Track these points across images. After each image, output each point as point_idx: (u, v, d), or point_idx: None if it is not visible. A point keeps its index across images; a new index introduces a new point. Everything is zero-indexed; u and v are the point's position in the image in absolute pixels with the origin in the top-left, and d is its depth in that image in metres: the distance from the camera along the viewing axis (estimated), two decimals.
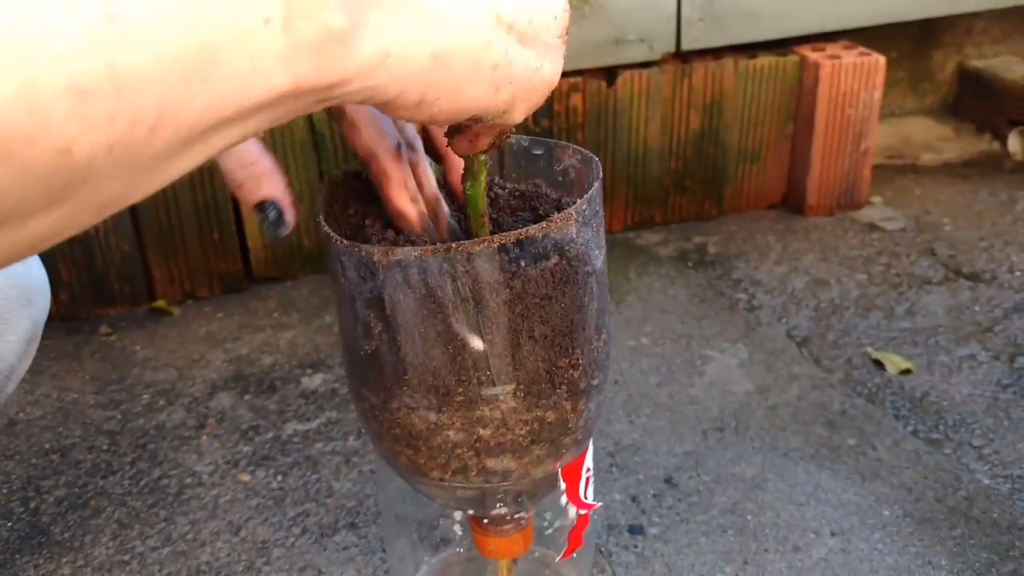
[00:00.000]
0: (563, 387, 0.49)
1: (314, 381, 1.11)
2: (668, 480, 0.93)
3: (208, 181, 1.26)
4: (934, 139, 1.80)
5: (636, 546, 0.85)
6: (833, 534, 0.86)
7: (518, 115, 0.35)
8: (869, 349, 1.15)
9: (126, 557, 0.86)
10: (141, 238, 1.27)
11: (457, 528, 0.63)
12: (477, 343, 0.46)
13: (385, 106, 0.30)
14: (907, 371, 1.10)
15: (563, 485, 0.55)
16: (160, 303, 1.29)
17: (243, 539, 0.88)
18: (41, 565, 0.85)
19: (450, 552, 0.68)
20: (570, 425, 0.50)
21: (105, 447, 1.01)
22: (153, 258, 1.28)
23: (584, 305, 0.48)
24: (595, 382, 0.51)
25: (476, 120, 0.34)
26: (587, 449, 0.55)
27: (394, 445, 0.51)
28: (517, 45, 0.32)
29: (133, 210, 1.24)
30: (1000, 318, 1.21)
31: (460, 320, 0.45)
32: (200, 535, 0.88)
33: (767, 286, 1.31)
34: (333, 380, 1.11)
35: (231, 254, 1.31)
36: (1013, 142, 1.75)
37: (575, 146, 0.53)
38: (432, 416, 0.48)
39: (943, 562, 0.82)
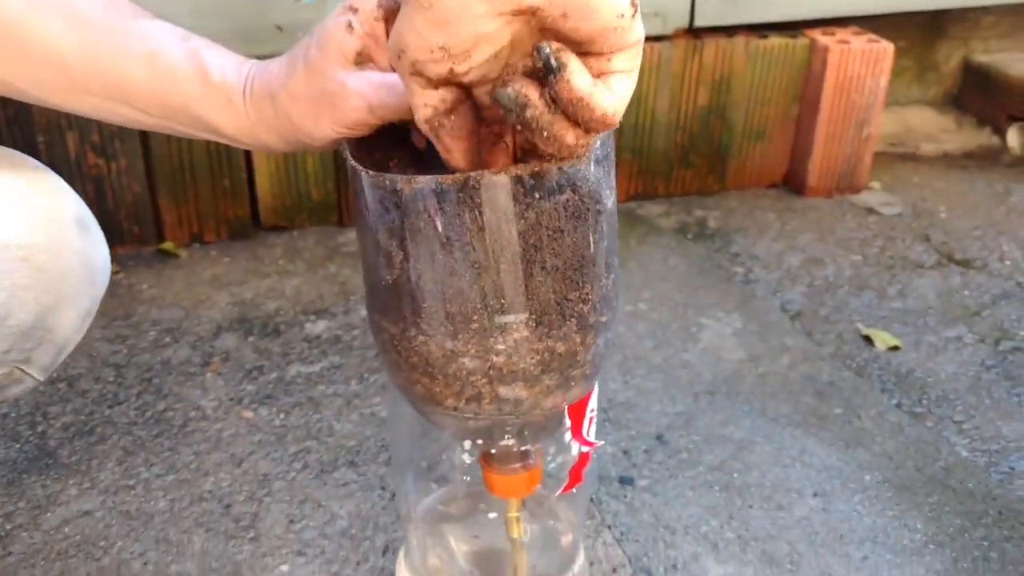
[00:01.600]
0: (573, 320, 0.51)
1: (318, 327, 1.14)
2: (659, 437, 0.96)
3: None
4: (936, 130, 1.83)
5: (626, 496, 0.88)
6: (815, 495, 0.89)
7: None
8: (860, 325, 1.18)
9: (131, 482, 0.89)
10: (152, 180, 1.29)
11: (465, 459, 0.66)
12: (491, 271, 0.48)
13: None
14: (895, 348, 1.13)
15: (568, 422, 0.57)
16: (168, 245, 1.31)
17: (245, 471, 0.91)
18: (48, 485, 0.88)
19: (454, 487, 0.71)
20: (579, 358, 0.53)
21: (111, 379, 1.03)
22: (163, 201, 1.30)
23: (594, 241, 0.50)
24: (604, 319, 0.53)
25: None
26: (593, 389, 0.58)
27: (411, 374, 0.53)
28: None
29: (146, 152, 1.26)
30: (988, 304, 1.24)
31: (476, 248, 0.47)
32: (203, 465, 0.91)
33: (764, 261, 1.34)
34: (336, 327, 1.14)
35: (240, 201, 1.34)
36: (1012, 137, 1.77)
37: None
38: (448, 343, 0.50)
39: (918, 525, 0.85)
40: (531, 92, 0.41)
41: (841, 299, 1.24)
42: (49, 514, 0.85)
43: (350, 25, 0.51)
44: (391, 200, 0.48)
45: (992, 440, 0.97)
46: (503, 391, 0.52)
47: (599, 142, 0.48)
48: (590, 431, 0.60)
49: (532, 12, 0.38)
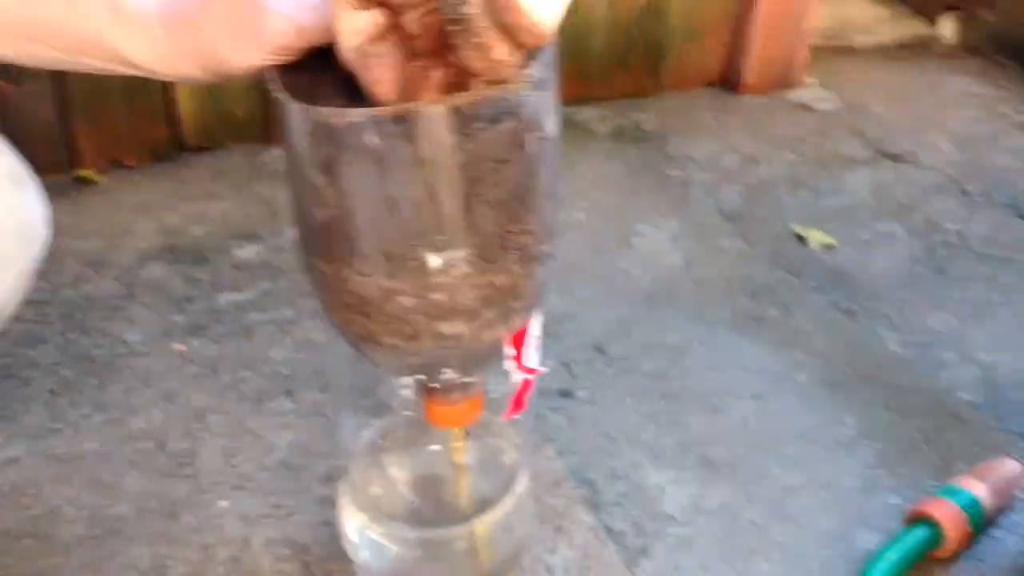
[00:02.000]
0: (515, 252, 0.49)
1: (247, 252, 1.11)
2: (598, 347, 0.96)
3: None
4: (871, 21, 1.81)
5: (565, 409, 0.88)
6: (751, 397, 0.90)
7: None
8: (794, 225, 1.18)
9: (58, 425, 0.86)
10: (65, 104, 1.22)
11: (404, 393, 0.65)
12: (429, 207, 0.46)
13: None
14: (829, 246, 1.14)
15: (510, 350, 0.56)
16: (85, 171, 1.25)
17: (179, 406, 0.89)
18: None
19: (394, 418, 0.70)
20: (521, 290, 0.51)
21: (32, 317, 1.00)
22: (79, 125, 1.24)
23: (536, 171, 0.48)
24: (545, 248, 0.51)
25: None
26: (534, 317, 0.56)
27: (347, 313, 0.51)
28: None
29: (57, 73, 1.20)
30: (919, 197, 1.25)
31: (413, 183, 0.45)
32: (134, 403, 0.89)
33: (700, 163, 1.33)
34: (266, 251, 1.11)
35: (161, 122, 1.28)
36: (944, 26, 1.77)
37: None
38: (385, 282, 0.48)
39: (850, 420, 0.87)
40: None
41: (776, 199, 1.24)
42: None
43: None
44: (323, 134, 0.45)
45: (921, 333, 0.99)
46: (443, 327, 0.51)
47: (538, 65, 0.46)
48: (532, 358, 0.59)
49: None
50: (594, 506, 0.78)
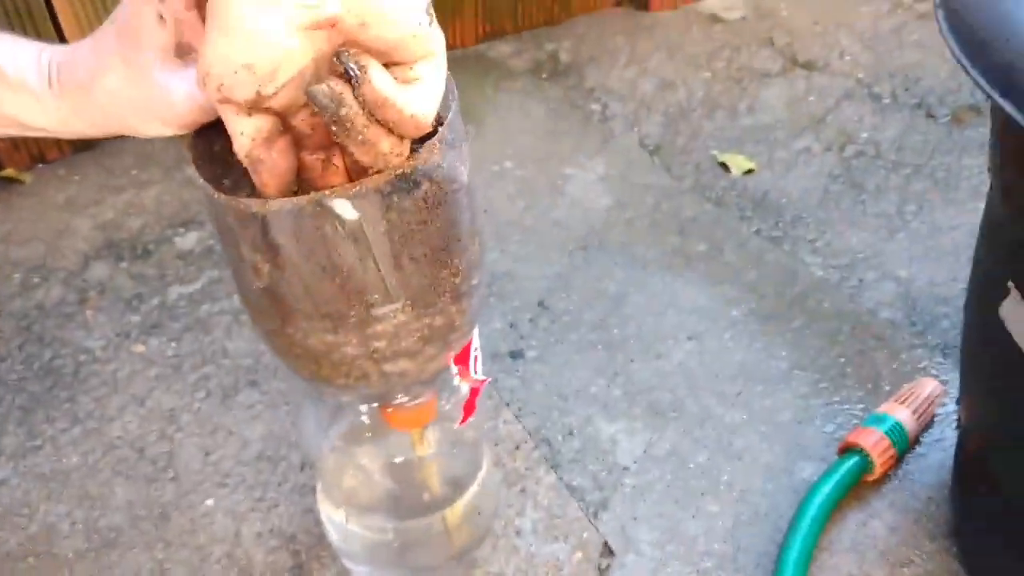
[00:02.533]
0: (447, 295, 0.53)
1: (188, 240, 1.12)
2: (541, 303, 1.01)
3: (30, 20, 1.19)
4: None
5: (518, 371, 0.94)
6: (689, 338, 0.96)
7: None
8: (715, 152, 1.23)
9: (38, 442, 0.89)
10: None
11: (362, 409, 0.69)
12: (361, 273, 0.49)
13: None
14: (750, 171, 1.19)
15: (454, 368, 0.61)
16: (8, 171, 1.24)
17: (150, 410, 0.92)
18: None
19: (352, 419, 0.75)
20: (456, 324, 0.55)
21: None
22: None
23: (457, 219, 0.52)
24: (474, 282, 0.55)
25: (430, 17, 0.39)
26: (473, 334, 0.61)
27: (296, 361, 0.55)
28: None
29: None
30: (832, 107, 1.31)
31: (343, 255, 0.48)
32: (107, 411, 0.92)
33: (618, 93, 1.35)
34: (207, 237, 1.12)
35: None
36: None
37: None
38: (329, 337, 0.52)
39: (783, 353, 0.94)
40: (345, 90, 0.42)
41: (695, 124, 1.29)
42: None
43: (161, 17, 0.48)
44: (248, 220, 0.48)
45: (842, 254, 1.06)
46: (388, 368, 0.55)
47: (447, 127, 0.49)
48: (477, 368, 0.63)
49: (331, 24, 0.39)
50: (554, 465, 0.84)
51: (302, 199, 0.46)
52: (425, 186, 0.49)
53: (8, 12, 1.16)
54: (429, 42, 0.41)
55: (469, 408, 0.65)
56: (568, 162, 1.22)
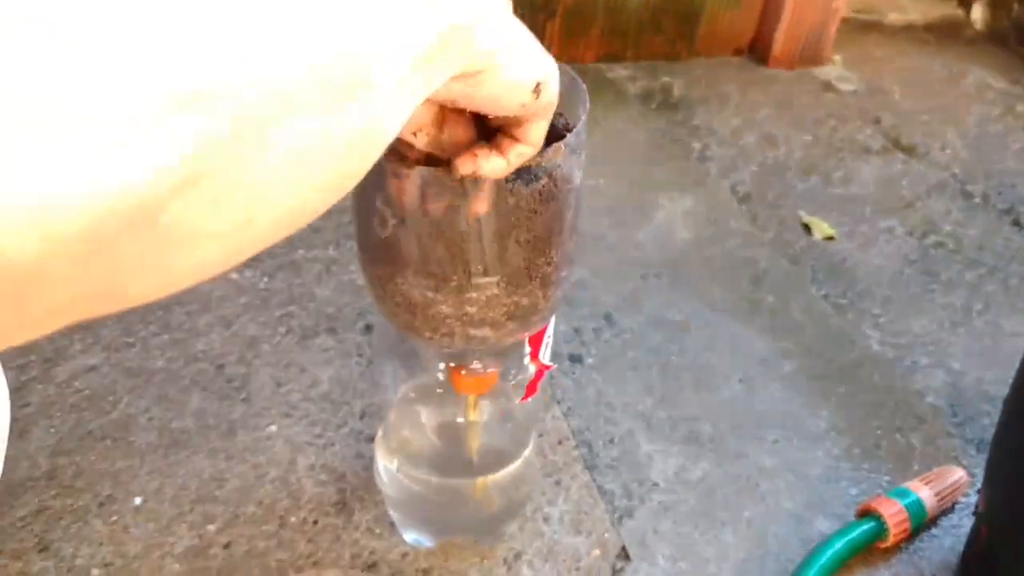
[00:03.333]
0: (538, 279, 0.60)
1: None
2: (607, 317, 1.07)
3: None
4: None
5: (574, 373, 1.00)
6: (740, 380, 1.01)
7: (554, 91, 0.44)
8: (801, 213, 1.27)
9: (131, 339, 0.98)
10: None
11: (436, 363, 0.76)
12: (470, 244, 0.56)
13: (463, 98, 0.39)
14: (830, 238, 1.23)
15: (528, 349, 0.67)
16: None
17: (234, 333, 1.00)
18: (55, 340, 0.97)
19: (427, 376, 0.81)
20: (539, 307, 0.62)
21: None
22: None
23: (563, 215, 0.58)
24: (563, 274, 0.62)
25: (537, 92, 0.43)
26: (550, 321, 0.67)
27: (395, 309, 0.62)
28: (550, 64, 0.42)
29: None
30: (922, 195, 1.34)
31: (459, 226, 0.55)
32: (196, 326, 1.00)
33: (721, 136, 1.41)
34: None
35: None
36: (977, 10, 1.81)
37: (564, 65, 0.61)
38: (429, 294, 0.59)
39: (824, 413, 0.99)
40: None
41: (788, 182, 1.33)
42: (59, 367, 0.94)
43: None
44: (391, 178, 0.55)
45: (902, 335, 1.10)
46: (473, 331, 0.62)
47: (575, 134, 0.55)
48: (546, 354, 0.70)
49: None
50: (590, 467, 0.90)
51: (441, 171, 0.52)
52: (544, 181, 0.55)
53: None
54: (537, 109, 0.45)
55: (531, 388, 0.71)
56: (660, 191, 1.28)
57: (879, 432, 0.97)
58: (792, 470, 0.92)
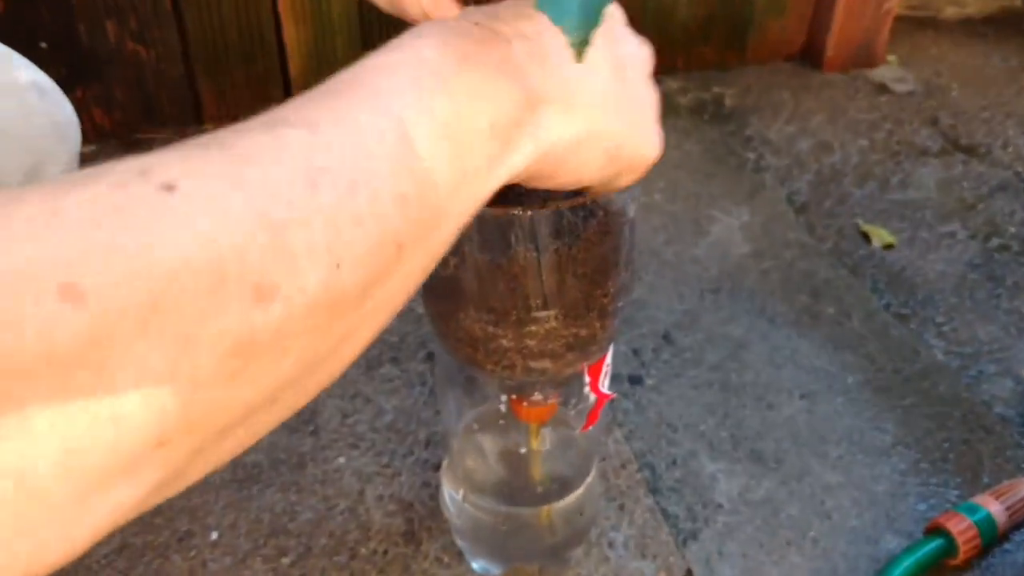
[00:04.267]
0: (595, 311, 0.61)
1: None
2: (666, 336, 1.08)
3: (253, 10, 1.32)
4: None
5: (635, 394, 1.00)
6: (802, 396, 1.01)
7: (624, 183, 0.45)
8: (859, 221, 1.26)
9: None
10: (190, 65, 1.34)
11: (498, 393, 0.77)
12: (529, 279, 0.58)
13: (530, 180, 0.41)
14: (890, 245, 1.22)
15: (587, 379, 0.68)
16: (208, 127, 1.38)
17: None
18: None
19: (489, 406, 0.83)
20: (598, 338, 0.63)
21: None
22: (202, 84, 1.36)
23: (618, 247, 0.60)
24: (620, 304, 0.63)
25: (588, 188, 0.45)
26: (608, 350, 0.68)
27: (457, 344, 0.64)
28: (625, 131, 0.42)
29: (183, 38, 1.31)
30: (984, 196, 1.32)
31: (519, 262, 0.56)
32: None
33: (775, 146, 1.40)
34: None
35: (274, 82, 1.39)
36: None
37: None
38: (490, 328, 0.61)
39: (889, 427, 0.98)
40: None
41: (845, 190, 1.32)
42: None
43: None
44: None
45: (967, 343, 1.08)
46: (533, 364, 0.63)
47: None
48: (605, 383, 0.71)
49: None
50: (653, 490, 0.90)
51: (498, 210, 0.54)
52: (599, 215, 0.57)
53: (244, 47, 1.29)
54: (614, 177, 0.47)
55: (592, 417, 0.72)
56: (715, 205, 1.27)
57: (946, 445, 0.96)
58: (858, 486, 0.91)
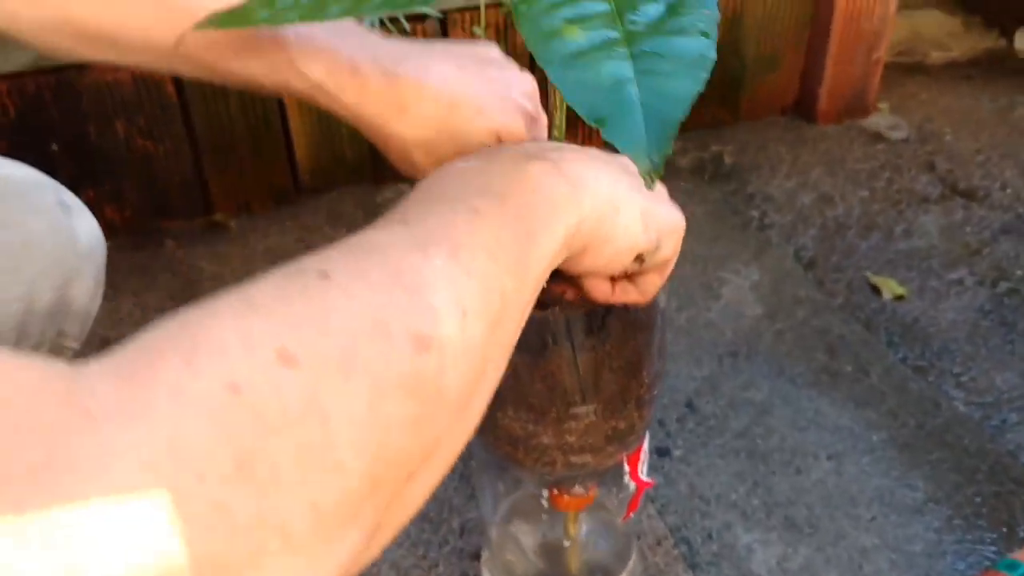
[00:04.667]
0: (633, 402, 0.62)
1: None
2: (689, 405, 1.08)
3: (259, 100, 1.34)
4: (943, 34, 1.86)
5: (664, 467, 1.01)
6: (829, 458, 1.01)
7: (668, 250, 0.48)
8: (868, 273, 1.27)
9: None
10: (198, 157, 1.36)
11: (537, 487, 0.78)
12: (566, 377, 0.59)
13: (571, 260, 0.44)
14: (900, 297, 1.23)
15: (627, 468, 0.69)
16: (218, 216, 1.39)
17: None
18: None
19: (523, 492, 0.83)
20: (636, 428, 0.64)
21: None
22: (210, 175, 1.37)
23: (651, 338, 0.61)
24: (655, 392, 0.64)
25: (640, 259, 0.45)
26: (645, 437, 0.69)
27: (496, 442, 0.64)
28: (647, 199, 0.46)
29: (190, 132, 1.33)
30: (988, 240, 1.34)
31: (556, 360, 0.57)
32: None
33: (778, 202, 1.42)
34: None
35: (280, 168, 1.41)
36: (1020, 39, 1.81)
37: None
38: (530, 427, 0.61)
39: (919, 483, 0.98)
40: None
41: (850, 242, 1.34)
42: None
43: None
44: None
45: (986, 392, 1.09)
46: (574, 459, 0.64)
47: None
48: (643, 470, 0.71)
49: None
50: (691, 565, 0.91)
51: (534, 311, 0.55)
52: (632, 311, 0.58)
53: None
54: (644, 271, 0.50)
55: (633, 505, 0.73)
56: (724, 266, 1.29)
57: (978, 500, 0.96)
58: (894, 548, 0.92)
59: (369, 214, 1.40)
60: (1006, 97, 1.66)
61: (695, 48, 0.37)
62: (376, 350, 0.29)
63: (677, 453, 1.02)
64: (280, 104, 1.35)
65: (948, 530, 0.93)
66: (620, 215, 0.44)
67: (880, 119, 1.61)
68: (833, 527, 0.94)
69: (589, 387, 0.59)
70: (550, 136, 0.56)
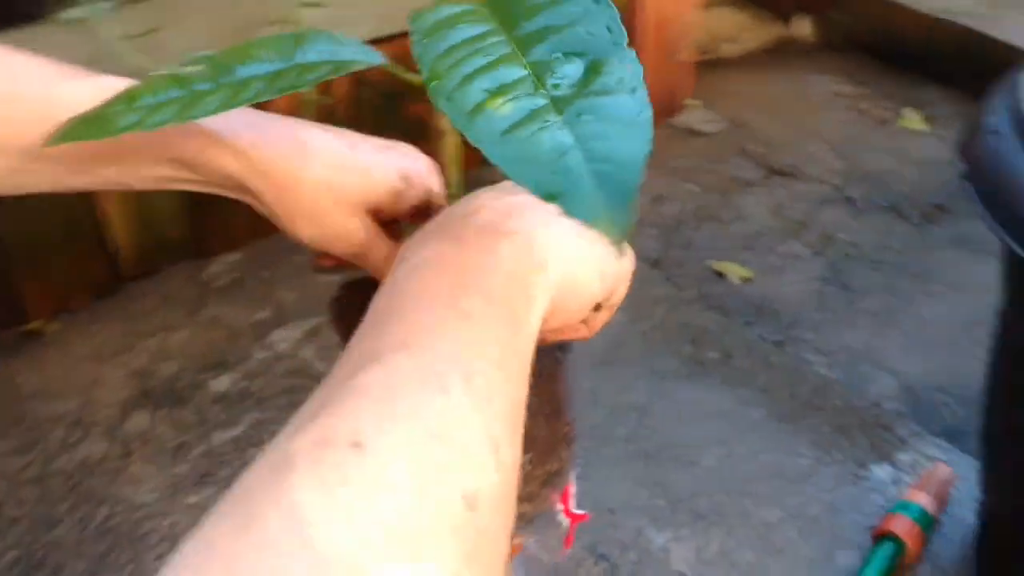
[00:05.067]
0: (562, 442, 0.60)
1: (222, 383, 1.17)
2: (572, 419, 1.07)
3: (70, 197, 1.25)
4: (734, 28, 1.95)
5: None
6: (716, 443, 1.02)
7: (622, 294, 0.50)
8: (710, 262, 1.31)
9: None
10: (6, 260, 1.24)
11: None
12: None
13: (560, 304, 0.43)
14: (746, 278, 1.27)
15: (560, 506, 0.67)
16: (34, 324, 1.28)
17: None
18: None
19: None
20: (566, 468, 0.62)
21: (37, 497, 1.04)
22: (20, 279, 1.26)
23: (571, 374, 0.59)
24: (577, 427, 0.62)
25: (598, 307, 0.47)
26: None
27: None
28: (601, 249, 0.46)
29: None
30: (811, 211, 1.40)
31: None
32: None
33: None
34: (240, 379, 1.17)
35: (97, 258, 1.31)
36: (801, 25, 1.93)
37: None
38: None
39: (804, 450, 1.00)
40: None
41: (688, 236, 1.37)
42: None
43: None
44: None
45: (840, 352, 1.14)
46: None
47: None
48: (573, 503, 0.69)
49: None
50: None
51: None
52: (555, 352, 0.56)
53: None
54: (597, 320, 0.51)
55: (568, 541, 0.70)
56: None
57: (860, 454, 0.99)
58: (797, 515, 0.93)
59: (202, 291, 1.32)
60: (797, 77, 1.77)
61: (630, 107, 0.35)
62: (428, 520, 0.30)
63: (574, 471, 1.00)
64: (90, 193, 1.26)
65: (840, 486, 0.96)
66: (580, 274, 0.45)
67: (693, 115, 1.67)
68: (737, 509, 0.94)
69: (527, 437, 0.57)
70: (448, 194, 0.53)
